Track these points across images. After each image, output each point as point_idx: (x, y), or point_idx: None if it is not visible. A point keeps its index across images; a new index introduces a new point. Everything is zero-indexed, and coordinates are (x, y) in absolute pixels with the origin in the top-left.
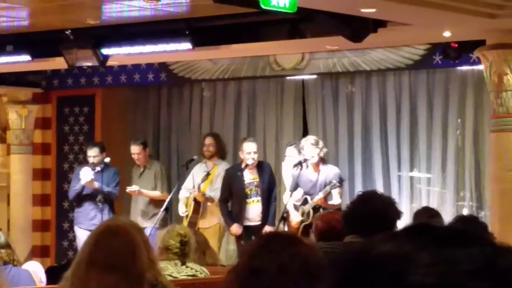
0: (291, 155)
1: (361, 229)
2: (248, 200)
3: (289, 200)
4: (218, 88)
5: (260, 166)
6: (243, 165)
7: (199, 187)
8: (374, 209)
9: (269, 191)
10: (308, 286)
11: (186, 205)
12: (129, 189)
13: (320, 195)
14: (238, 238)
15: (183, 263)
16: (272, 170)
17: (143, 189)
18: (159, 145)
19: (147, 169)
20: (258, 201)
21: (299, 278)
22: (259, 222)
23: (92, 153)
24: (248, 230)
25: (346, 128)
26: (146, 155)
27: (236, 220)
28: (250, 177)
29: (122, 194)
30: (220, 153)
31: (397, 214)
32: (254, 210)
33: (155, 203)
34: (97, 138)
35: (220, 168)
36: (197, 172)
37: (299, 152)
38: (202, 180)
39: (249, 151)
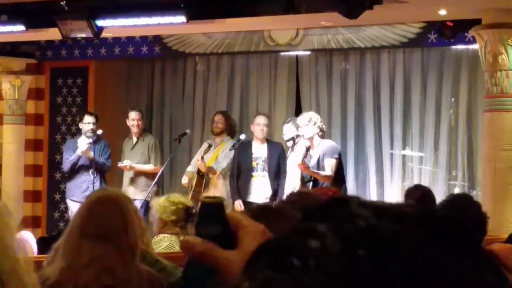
0: (288, 133)
1: None
2: (254, 174)
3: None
4: (212, 62)
5: (271, 143)
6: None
7: (202, 158)
8: None
9: (278, 167)
10: None
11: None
12: (120, 164)
13: (298, 161)
14: None
15: None
16: (283, 150)
17: (135, 164)
18: (152, 118)
19: (140, 141)
20: (264, 176)
21: None
22: (264, 200)
23: (90, 120)
24: (250, 205)
25: (339, 105)
26: (143, 124)
27: (241, 194)
28: (258, 151)
29: (114, 167)
30: (229, 130)
31: None
32: (258, 185)
33: (147, 175)
34: (90, 110)
35: (227, 145)
36: (206, 147)
37: (297, 129)
38: (204, 151)
39: (258, 123)
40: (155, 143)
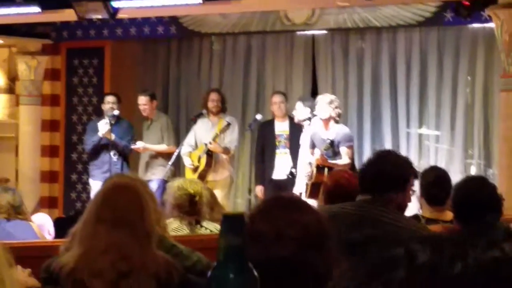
0: (300, 111)
1: (375, 188)
2: (276, 151)
3: (311, 158)
4: (228, 42)
5: (293, 122)
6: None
7: (215, 140)
8: (389, 168)
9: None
10: (306, 254)
11: (191, 158)
12: (133, 146)
13: (317, 156)
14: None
15: (198, 222)
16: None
17: (149, 144)
18: (168, 99)
19: (154, 121)
20: (286, 153)
21: (296, 246)
22: (286, 177)
23: (110, 100)
24: (273, 183)
25: (356, 85)
26: (153, 107)
27: (265, 178)
28: (280, 128)
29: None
30: (224, 108)
31: (414, 174)
32: (281, 162)
33: (163, 155)
34: (107, 91)
35: (224, 122)
36: (199, 128)
37: (306, 107)
38: (222, 131)
39: (274, 101)
40: (167, 122)
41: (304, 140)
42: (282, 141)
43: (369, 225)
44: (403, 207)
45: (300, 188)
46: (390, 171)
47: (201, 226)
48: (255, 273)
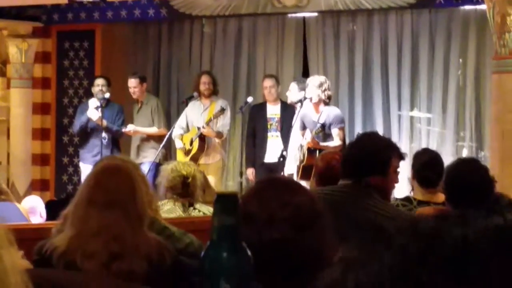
0: (293, 92)
1: (354, 172)
2: (268, 134)
3: (301, 139)
4: (219, 24)
5: (285, 104)
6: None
7: (208, 124)
8: (366, 152)
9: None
10: (299, 236)
11: (182, 140)
12: (124, 129)
13: (308, 139)
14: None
15: (191, 204)
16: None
17: (139, 127)
18: (159, 81)
19: (144, 104)
20: (277, 136)
21: (289, 227)
22: (277, 160)
23: (100, 82)
24: (264, 166)
25: (347, 67)
26: (143, 90)
27: (256, 161)
28: (271, 112)
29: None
30: (215, 90)
31: (398, 156)
32: (272, 145)
33: (154, 138)
34: (97, 73)
35: (219, 103)
36: (191, 110)
37: (300, 89)
38: (215, 116)
39: (265, 86)
40: (157, 105)
41: (296, 122)
42: (274, 124)
43: (348, 210)
44: (386, 190)
45: (290, 170)
46: (367, 155)
47: (194, 209)
48: (249, 253)
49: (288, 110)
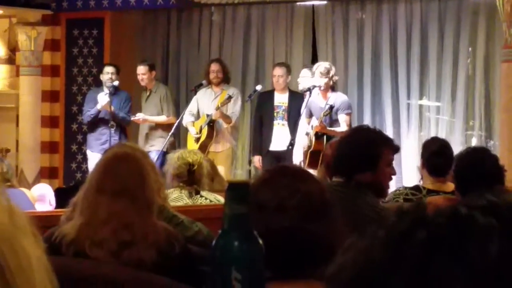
0: (304, 75)
1: (343, 170)
2: (274, 122)
3: (307, 127)
4: (228, 12)
5: (292, 93)
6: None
7: (218, 108)
8: (352, 149)
9: (299, 117)
10: (308, 225)
11: (194, 127)
12: (133, 117)
13: (316, 122)
14: (262, 164)
15: (197, 192)
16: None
17: (148, 116)
18: (168, 70)
19: (153, 92)
20: (283, 124)
21: (298, 216)
22: (285, 149)
23: (109, 70)
24: (270, 154)
25: (356, 56)
26: (152, 78)
27: (262, 148)
28: (279, 100)
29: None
30: (226, 78)
31: (391, 149)
32: (278, 134)
33: (163, 127)
34: (106, 61)
35: (229, 92)
36: (202, 97)
37: (313, 75)
38: (222, 104)
39: (274, 74)
40: (166, 93)
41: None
42: (280, 113)
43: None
44: (379, 186)
45: (298, 158)
46: (354, 152)
47: (201, 196)
48: (260, 242)
49: (295, 99)
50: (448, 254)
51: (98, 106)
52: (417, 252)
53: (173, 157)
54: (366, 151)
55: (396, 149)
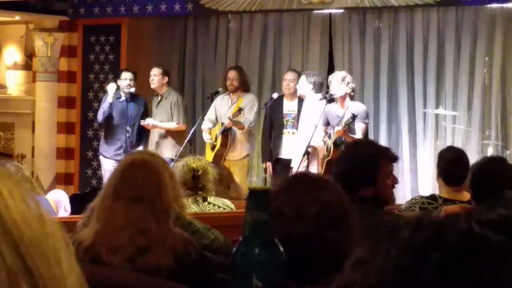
0: (303, 85)
1: (346, 188)
2: (284, 131)
3: (323, 135)
4: (245, 20)
5: (302, 101)
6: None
7: (230, 118)
8: (354, 165)
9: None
10: (325, 233)
11: (211, 134)
12: (142, 122)
13: (339, 127)
14: (273, 171)
15: (205, 199)
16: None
17: (157, 122)
18: (184, 76)
19: (163, 98)
20: (293, 133)
21: (316, 223)
22: (294, 157)
23: (127, 76)
24: (279, 162)
25: (373, 64)
26: (163, 82)
27: (272, 155)
28: (288, 108)
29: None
30: (244, 86)
31: (388, 160)
32: (287, 142)
33: (173, 134)
34: (123, 68)
35: (246, 100)
36: (219, 104)
37: (309, 83)
38: (233, 116)
39: (285, 78)
40: (177, 100)
41: (309, 116)
42: (290, 121)
43: None
44: (382, 198)
45: (297, 163)
46: (351, 170)
47: (209, 203)
48: (281, 249)
49: (305, 107)
50: (462, 278)
51: (109, 99)
52: (431, 275)
53: (179, 165)
54: (363, 168)
55: (394, 159)
